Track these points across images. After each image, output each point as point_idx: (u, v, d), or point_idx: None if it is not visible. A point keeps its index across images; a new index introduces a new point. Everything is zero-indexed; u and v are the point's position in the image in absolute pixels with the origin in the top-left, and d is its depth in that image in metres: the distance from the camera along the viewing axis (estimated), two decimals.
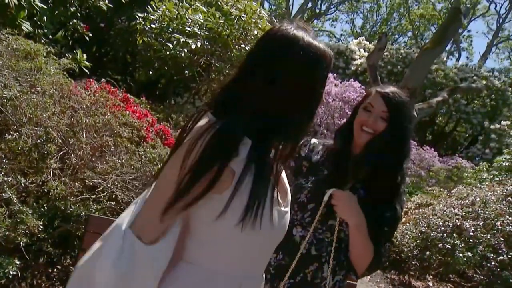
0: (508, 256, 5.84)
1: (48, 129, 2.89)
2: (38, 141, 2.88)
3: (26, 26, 5.42)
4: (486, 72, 19.83)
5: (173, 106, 7.44)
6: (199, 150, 1.15)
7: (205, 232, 1.25)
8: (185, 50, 6.16)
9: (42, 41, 5.77)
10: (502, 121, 17.12)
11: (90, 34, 6.78)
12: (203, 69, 7.63)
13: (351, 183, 1.90)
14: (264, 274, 1.40)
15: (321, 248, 1.85)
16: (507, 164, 10.33)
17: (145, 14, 6.97)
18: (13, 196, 2.63)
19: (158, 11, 6.80)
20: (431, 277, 7.76)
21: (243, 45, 6.56)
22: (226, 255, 1.24)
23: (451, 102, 17.55)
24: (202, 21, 6.79)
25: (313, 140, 2.09)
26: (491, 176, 9.96)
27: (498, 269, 5.93)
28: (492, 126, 16.94)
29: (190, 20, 6.58)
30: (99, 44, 8.53)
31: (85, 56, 6.18)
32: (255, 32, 6.63)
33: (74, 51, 6.34)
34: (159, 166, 3.58)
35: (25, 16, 5.46)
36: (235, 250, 1.24)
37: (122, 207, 3.45)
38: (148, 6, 6.95)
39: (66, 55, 5.95)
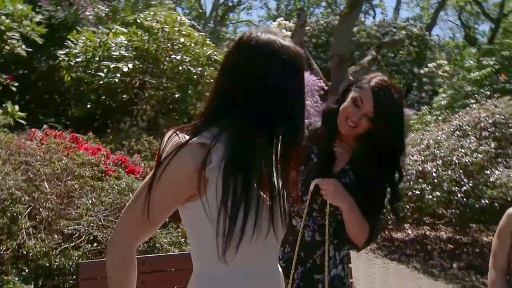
0: (470, 185, 6.19)
1: (11, 190, 2.80)
2: (3, 204, 2.79)
3: None
4: (402, 23, 20.63)
5: (120, 133, 7.33)
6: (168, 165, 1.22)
7: (199, 241, 1.31)
8: (118, 75, 6.08)
9: None
10: (428, 64, 17.94)
11: (16, 84, 6.55)
12: (139, 89, 7.55)
13: (341, 167, 1.98)
14: (278, 269, 1.42)
15: (324, 232, 1.92)
16: (445, 102, 10.87)
17: (66, 50, 6.79)
18: None
19: (79, 44, 6.66)
20: (408, 225, 8.09)
21: (173, 56, 6.55)
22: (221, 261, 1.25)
23: (380, 58, 18.17)
24: (126, 42, 6.71)
25: None
26: (435, 117, 10.44)
27: (464, 199, 6.29)
28: (421, 71, 17.70)
29: (114, 45, 6.48)
30: (21, 91, 8.22)
31: (17, 107, 5.97)
32: (182, 40, 6.63)
33: (3, 105, 6.10)
34: (130, 195, 3.56)
35: None
36: (240, 253, 1.25)
37: (103, 246, 3.40)
38: (67, 42, 6.78)
39: None
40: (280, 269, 1.44)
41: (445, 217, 8.40)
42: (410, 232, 8.05)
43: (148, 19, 6.77)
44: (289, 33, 19.39)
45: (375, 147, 1.90)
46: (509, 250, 2.22)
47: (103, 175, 4.02)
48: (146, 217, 1.27)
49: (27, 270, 2.97)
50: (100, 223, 3.45)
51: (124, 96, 6.98)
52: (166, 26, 6.58)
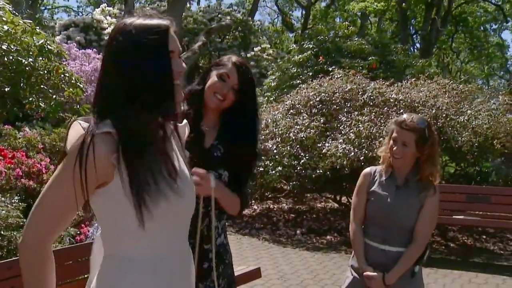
0: (306, 158, 6.88)
1: None
2: None
3: None
4: (227, 9, 21.46)
5: None
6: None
7: (110, 225, 1.36)
8: None
9: None
10: (254, 48, 19.03)
11: None
12: None
13: (210, 143, 2.14)
14: (188, 247, 1.51)
15: (207, 205, 2.05)
16: (274, 83, 11.72)
17: None
18: None
19: None
20: (254, 201, 8.66)
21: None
22: (134, 241, 1.34)
23: (208, 43, 18.67)
24: None
25: None
26: (266, 98, 11.20)
27: (303, 171, 6.97)
28: (248, 55, 18.68)
29: None
30: None
31: None
32: (5, 27, 5.98)
33: None
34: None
35: None
36: (141, 235, 1.33)
37: None
38: None
39: None
40: (189, 247, 1.53)
41: (284, 190, 9.19)
42: (256, 207, 8.63)
43: None
44: (114, 20, 18.74)
45: (237, 122, 2.13)
46: (365, 204, 2.64)
47: None
48: (75, 209, 1.32)
49: None
50: None
51: None
52: None
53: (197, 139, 2.08)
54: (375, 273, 2.50)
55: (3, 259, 2.96)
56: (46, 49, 5.86)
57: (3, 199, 3.53)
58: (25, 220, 3.40)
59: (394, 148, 2.53)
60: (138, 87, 1.32)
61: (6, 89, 5.88)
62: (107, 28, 18.49)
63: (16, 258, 2.76)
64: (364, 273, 2.53)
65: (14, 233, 3.14)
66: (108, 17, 19.41)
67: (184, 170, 1.45)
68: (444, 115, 6.82)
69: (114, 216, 1.34)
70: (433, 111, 6.75)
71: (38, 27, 7.11)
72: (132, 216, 1.29)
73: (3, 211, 3.10)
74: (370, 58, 10.91)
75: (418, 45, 27.25)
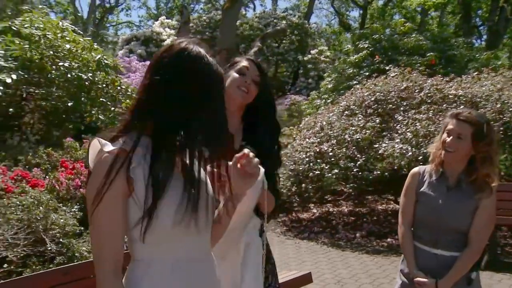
0: (362, 159, 6.72)
1: None
2: None
3: None
4: (282, 13, 21.52)
5: (9, 149, 6.84)
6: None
7: (134, 231, 1.38)
8: (1, 88, 5.67)
9: None
10: (311, 51, 18.92)
11: None
12: (25, 100, 7.10)
13: (239, 144, 2.14)
14: (208, 254, 1.53)
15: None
16: (331, 85, 11.58)
17: None
18: None
19: None
20: (313, 205, 8.56)
21: (60, 63, 6.25)
22: (156, 245, 1.38)
23: (265, 48, 18.78)
24: (3, 52, 6.26)
25: None
26: (323, 100, 11.09)
27: (359, 173, 6.81)
28: (305, 58, 18.60)
29: None
30: None
31: None
32: (67, 46, 6.34)
33: None
34: (41, 208, 3.41)
35: None
36: (162, 239, 1.37)
37: (19, 265, 3.25)
38: None
39: None
40: (211, 253, 1.55)
41: (344, 193, 9.03)
42: (315, 211, 8.53)
43: (25, 25, 6.37)
44: (173, 31, 19.31)
45: (260, 118, 2.15)
46: (414, 205, 2.52)
47: (4, 192, 3.80)
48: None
49: None
50: (9, 242, 3.29)
51: (11, 110, 6.53)
52: (48, 33, 6.25)
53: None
54: (426, 279, 2.35)
55: (62, 265, 3.11)
56: (103, 63, 6.15)
57: (64, 208, 3.71)
58: (82, 228, 3.57)
59: (447, 140, 2.37)
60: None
61: (69, 104, 6.22)
62: (166, 40, 19.08)
63: (72, 263, 2.89)
64: (415, 279, 2.38)
65: (72, 241, 3.28)
66: (167, 29, 20.03)
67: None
68: (511, 109, 6.42)
69: (132, 222, 1.37)
70: (498, 106, 6.37)
71: (102, 44, 7.46)
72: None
73: (62, 220, 3.25)
74: (428, 54, 10.53)
75: (485, 37, 25.96)
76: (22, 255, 3.32)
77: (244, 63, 2.17)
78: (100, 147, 1.33)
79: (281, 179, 7.40)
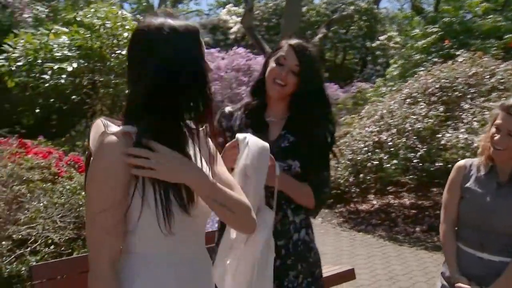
0: (424, 149, 6.35)
1: None
2: None
3: None
4: None
5: (76, 135, 7.18)
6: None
7: (132, 223, 1.32)
8: (64, 76, 5.92)
9: None
10: (380, 37, 18.23)
11: None
12: (90, 89, 7.38)
13: (278, 133, 2.02)
14: (204, 251, 1.47)
15: (279, 199, 1.92)
16: (397, 72, 11.08)
17: (4, 54, 6.55)
18: None
19: (18, 48, 6.42)
20: (373, 196, 8.26)
21: (118, 51, 6.41)
22: (153, 240, 1.32)
23: (332, 35, 18.33)
24: (68, 41, 6.52)
25: (227, 109, 2.16)
26: (389, 88, 10.63)
27: (420, 164, 6.46)
28: (374, 44, 17.98)
29: (56, 46, 6.29)
30: None
31: None
32: (126, 34, 6.48)
33: None
34: (83, 193, 3.49)
35: None
36: (159, 234, 1.30)
37: (63, 248, 3.34)
38: (4, 46, 6.53)
39: None
40: (206, 251, 1.48)
41: (407, 185, 8.64)
42: (374, 202, 8.22)
43: (88, 16, 6.59)
44: (239, 19, 19.35)
45: (305, 106, 1.99)
46: (458, 201, 2.29)
47: (56, 177, 3.92)
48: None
49: None
50: (56, 225, 3.39)
51: (74, 97, 6.81)
52: (108, 22, 6.43)
53: (262, 132, 1.98)
54: (469, 286, 2.11)
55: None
56: None
57: None
58: None
59: (496, 137, 2.13)
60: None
61: (127, 91, 6.35)
62: (232, 27, 19.17)
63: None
64: (456, 284, 2.15)
65: None
66: (233, 17, 20.11)
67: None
68: None
69: (134, 216, 1.31)
70: None
71: None
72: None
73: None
74: (507, 36, 9.73)
75: None
76: (67, 238, 3.42)
77: (282, 51, 2.00)
78: (103, 128, 1.28)
79: (339, 168, 7.25)
